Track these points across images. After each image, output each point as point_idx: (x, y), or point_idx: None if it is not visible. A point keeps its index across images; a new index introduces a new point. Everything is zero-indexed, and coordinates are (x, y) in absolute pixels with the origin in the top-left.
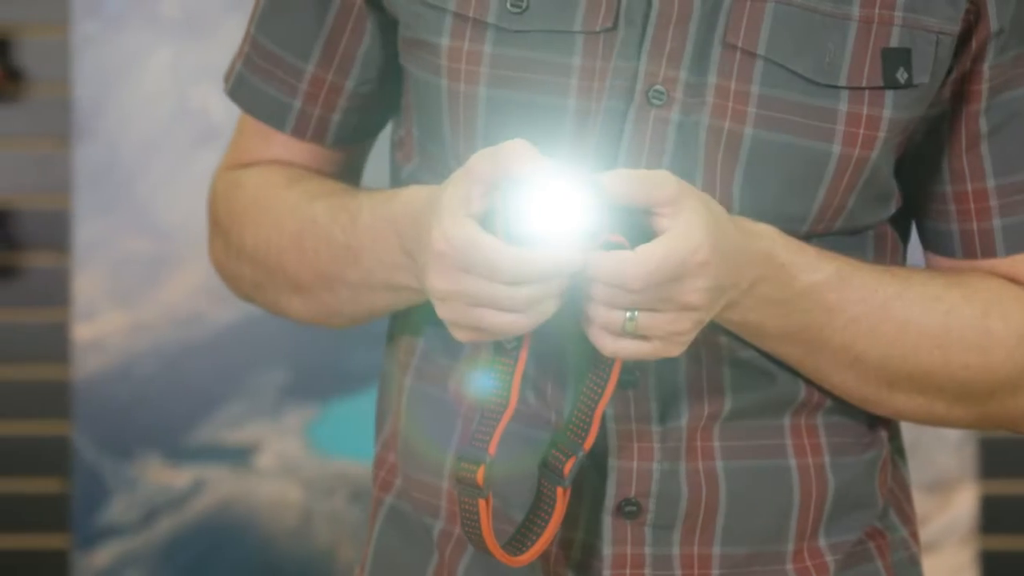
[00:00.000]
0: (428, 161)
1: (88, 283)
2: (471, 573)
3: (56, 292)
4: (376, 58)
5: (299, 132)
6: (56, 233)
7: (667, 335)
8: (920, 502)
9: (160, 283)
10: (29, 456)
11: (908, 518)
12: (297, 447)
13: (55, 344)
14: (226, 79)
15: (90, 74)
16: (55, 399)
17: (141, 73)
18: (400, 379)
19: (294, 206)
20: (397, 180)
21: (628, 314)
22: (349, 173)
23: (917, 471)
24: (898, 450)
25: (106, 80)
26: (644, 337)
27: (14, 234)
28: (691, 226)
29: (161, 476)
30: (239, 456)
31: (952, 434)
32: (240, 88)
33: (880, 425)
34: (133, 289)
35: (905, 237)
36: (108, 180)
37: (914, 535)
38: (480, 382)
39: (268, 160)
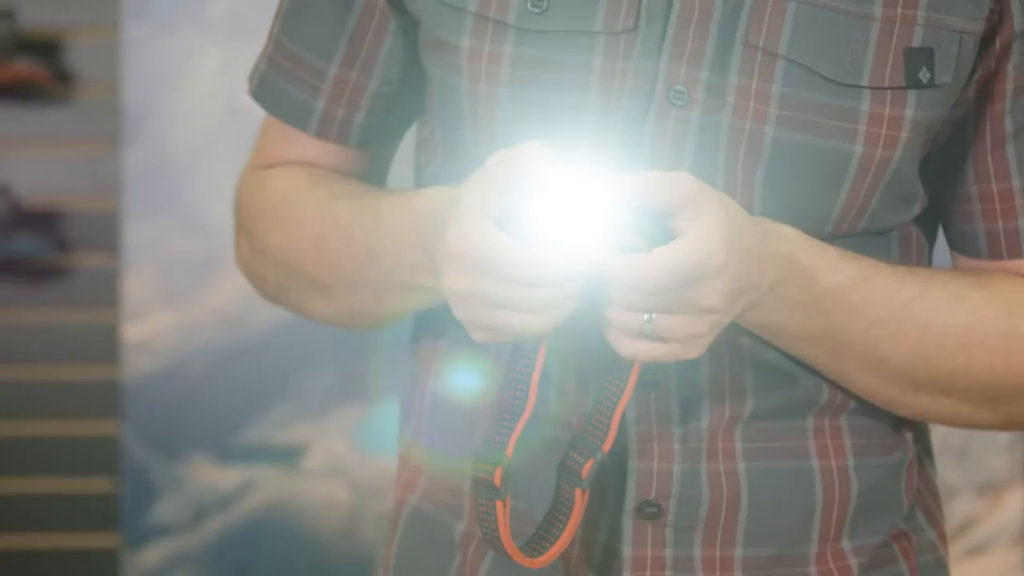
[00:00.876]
0: (451, 161)
1: (137, 284)
2: (493, 574)
3: (105, 293)
4: (399, 59)
5: (323, 133)
6: (105, 234)
7: (685, 337)
8: (970, 504)
9: (209, 284)
10: (79, 456)
11: (936, 520)
12: (345, 447)
13: (104, 345)
14: (250, 80)
15: (139, 76)
16: (104, 399)
17: (190, 75)
18: (423, 380)
19: (316, 207)
20: (421, 180)
21: (646, 316)
22: (374, 174)
23: (967, 473)
24: (926, 451)
25: (155, 82)
26: (662, 339)
27: (64, 236)
28: (709, 228)
29: (209, 476)
30: (287, 456)
31: (1002, 436)
32: (264, 89)
33: (906, 427)
34: (182, 290)
35: (931, 238)
36: (157, 181)
37: (942, 537)
38: (499, 383)
39: (293, 161)
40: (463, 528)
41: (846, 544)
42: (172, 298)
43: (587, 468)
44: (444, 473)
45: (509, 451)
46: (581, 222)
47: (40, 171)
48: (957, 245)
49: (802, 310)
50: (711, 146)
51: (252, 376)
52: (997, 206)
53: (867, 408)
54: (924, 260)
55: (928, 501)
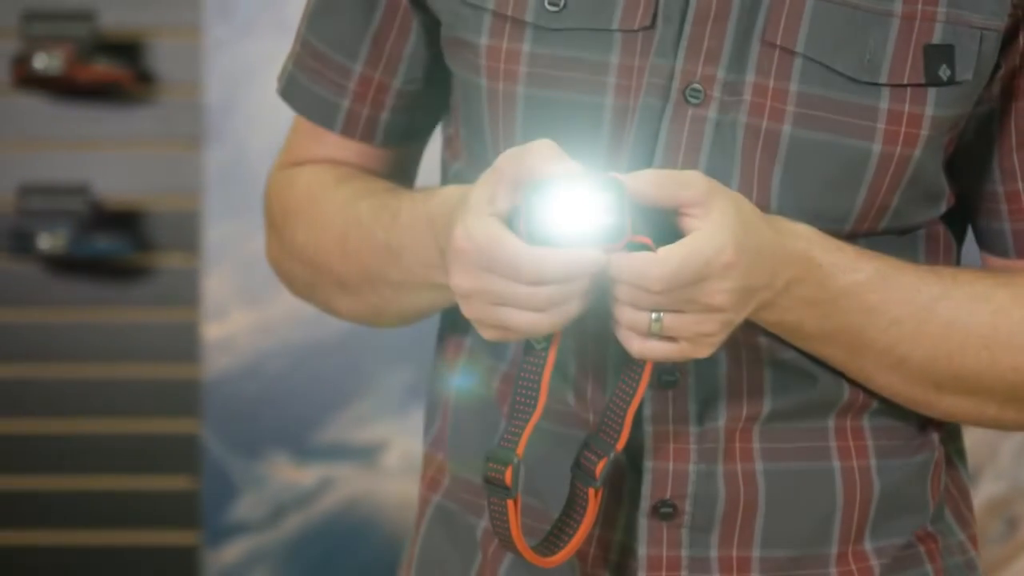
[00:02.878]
0: (473, 159)
1: (217, 283)
2: (512, 573)
3: (186, 292)
4: (422, 57)
5: (349, 132)
6: (186, 234)
7: (694, 336)
8: None
9: None
10: (160, 454)
11: (966, 521)
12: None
13: (185, 343)
14: (279, 79)
15: (221, 77)
16: (185, 398)
17: (270, 76)
18: (448, 378)
19: (341, 206)
20: (446, 179)
21: (654, 315)
22: (402, 172)
23: None
24: (957, 452)
25: (236, 83)
26: (671, 338)
27: (145, 236)
28: (717, 227)
29: (289, 474)
30: (366, 454)
31: None
32: (291, 88)
33: (932, 427)
34: (261, 289)
35: (959, 237)
36: (237, 182)
37: (972, 539)
38: (513, 382)
39: (320, 159)
40: (484, 527)
41: (868, 545)
42: (252, 297)
43: (600, 467)
44: (467, 471)
45: (520, 450)
46: (585, 221)
47: (121, 171)
48: (985, 244)
49: (819, 309)
50: (728, 144)
51: (331, 374)
52: (1023, 205)
53: (891, 408)
54: (952, 260)
55: (958, 502)
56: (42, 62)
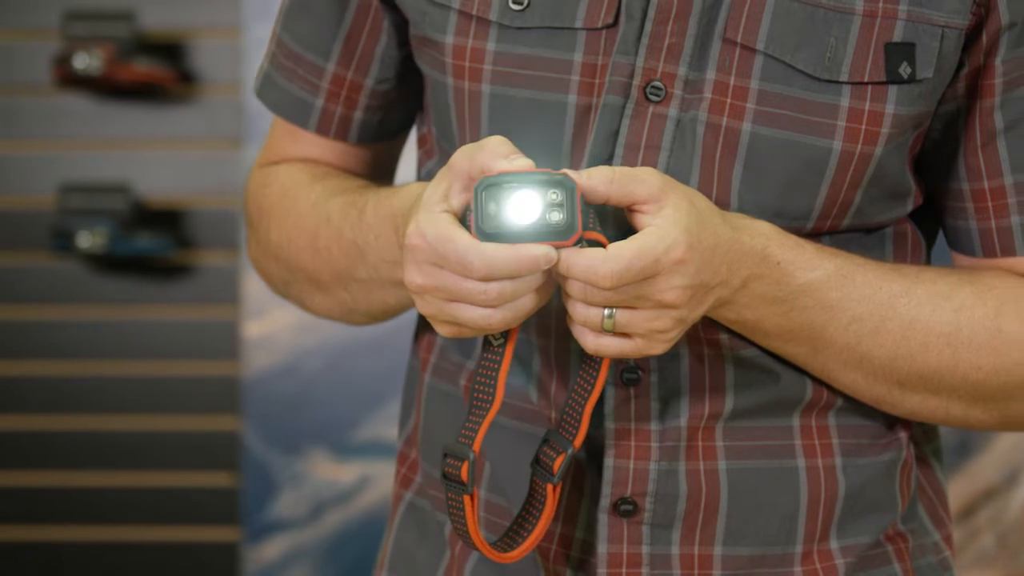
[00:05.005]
0: (444, 157)
1: (257, 282)
2: (478, 570)
3: (226, 291)
4: (394, 56)
5: (323, 130)
6: (226, 233)
7: (647, 333)
8: None
9: None
10: (200, 451)
11: (942, 521)
12: None
13: (225, 341)
14: (256, 78)
15: None
16: (225, 395)
17: None
18: (420, 376)
19: (312, 204)
20: (420, 176)
21: (606, 312)
22: (380, 170)
23: None
24: (934, 452)
25: None
26: (625, 335)
27: (186, 234)
28: (669, 223)
29: (328, 471)
30: None
31: None
32: (266, 87)
33: (900, 426)
34: None
35: (930, 236)
36: None
37: (948, 539)
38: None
39: (297, 158)
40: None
41: (833, 544)
42: None
43: (558, 463)
44: (436, 469)
45: (476, 446)
46: (536, 217)
47: (162, 171)
48: (953, 243)
49: (778, 307)
50: (688, 142)
51: (370, 372)
52: (989, 203)
53: (857, 407)
54: (920, 258)
55: (934, 502)
56: (82, 62)
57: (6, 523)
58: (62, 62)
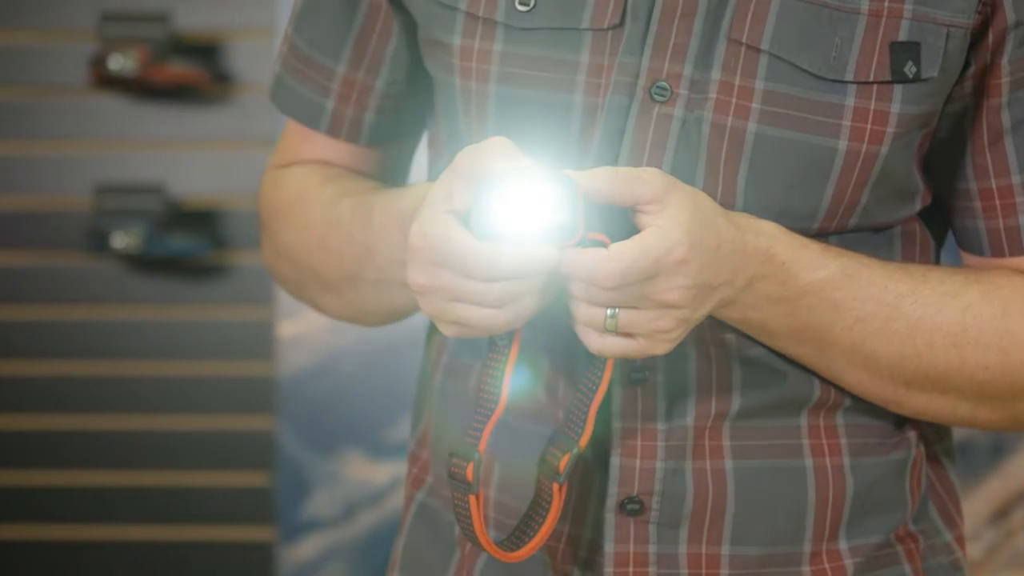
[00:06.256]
0: (453, 159)
1: None
2: (488, 570)
3: (260, 291)
4: (404, 58)
5: (334, 132)
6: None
7: (650, 333)
8: None
9: None
10: (235, 450)
11: (954, 522)
12: None
13: (259, 341)
14: (272, 82)
15: None
16: (260, 395)
17: None
18: (432, 377)
19: (323, 206)
20: (431, 177)
21: (609, 312)
22: (392, 172)
23: None
24: (945, 452)
25: None
26: (629, 335)
27: (220, 235)
28: (671, 223)
29: (362, 471)
30: None
31: None
32: (278, 90)
33: (909, 426)
34: None
35: (939, 236)
36: None
37: (960, 540)
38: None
39: (309, 160)
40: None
41: (842, 544)
42: None
43: (564, 462)
44: (447, 469)
45: (481, 446)
46: (537, 217)
47: (197, 171)
48: (962, 242)
49: (783, 306)
50: (693, 142)
51: (403, 372)
52: (997, 203)
53: (865, 407)
54: (929, 258)
55: (946, 502)
56: (117, 63)
57: (39, 522)
58: (98, 63)
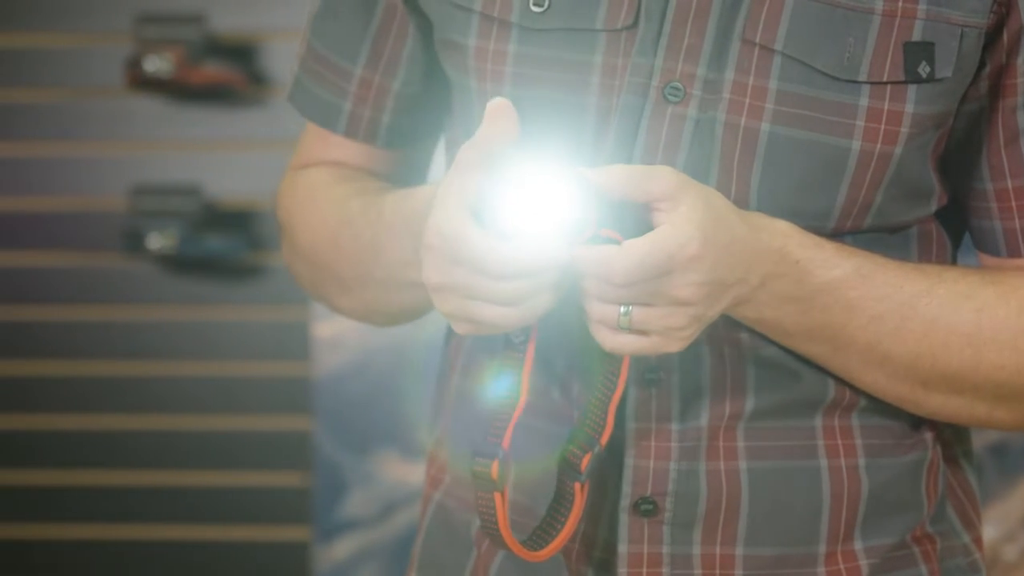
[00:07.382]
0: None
1: None
2: (504, 570)
3: (296, 291)
4: (421, 59)
5: (351, 133)
6: None
7: (663, 330)
8: None
9: None
10: (272, 450)
11: (972, 523)
12: None
13: (296, 341)
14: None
15: None
16: (296, 395)
17: None
18: (450, 378)
19: (337, 206)
20: None
21: (623, 309)
22: (410, 174)
23: None
24: (964, 453)
25: None
26: (642, 332)
27: (256, 235)
28: (684, 220)
29: (398, 471)
30: None
31: None
32: (296, 92)
33: (926, 427)
34: None
35: (956, 236)
36: None
37: (977, 541)
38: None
39: (327, 162)
40: (478, 524)
41: (857, 545)
42: None
43: (585, 461)
44: (465, 468)
45: (505, 443)
46: (551, 215)
47: (233, 172)
48: (978, 243)
49: (797, 305)
50: (707, 142)
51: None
52: (1013, 203)
53: (881, 407)
54: (946, 258)
55: (964, 504)
56: (153, 64)
57: (77, 521)
58: (133, 65)
